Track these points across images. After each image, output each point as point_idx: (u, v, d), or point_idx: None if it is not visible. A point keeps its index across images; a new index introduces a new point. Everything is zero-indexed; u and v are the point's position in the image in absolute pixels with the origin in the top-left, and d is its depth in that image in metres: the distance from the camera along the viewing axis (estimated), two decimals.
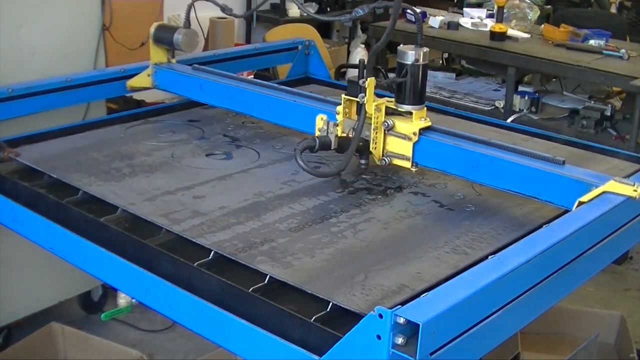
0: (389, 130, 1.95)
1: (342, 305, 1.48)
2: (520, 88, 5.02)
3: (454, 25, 5.22)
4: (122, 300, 3.26)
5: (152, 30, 2.55)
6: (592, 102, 4.72)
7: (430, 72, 5.70)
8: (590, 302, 3.72)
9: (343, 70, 6.58)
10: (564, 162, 1.84)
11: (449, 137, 1.97)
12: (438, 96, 5.18)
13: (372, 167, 2.18)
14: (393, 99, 1.98)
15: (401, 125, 1.95)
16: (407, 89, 1.94)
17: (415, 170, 1.98)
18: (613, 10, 7.56)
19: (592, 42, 4.87)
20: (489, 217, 1.92)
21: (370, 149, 1.97)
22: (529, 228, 1.82)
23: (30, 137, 2.37)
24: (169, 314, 1.67)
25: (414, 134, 1.93)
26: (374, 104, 1.92)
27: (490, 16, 5.37)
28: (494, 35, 4.91)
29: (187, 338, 3.33)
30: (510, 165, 1.86)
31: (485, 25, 5.19)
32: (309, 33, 5.09)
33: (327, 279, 1.59)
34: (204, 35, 5.76)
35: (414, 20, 5.32)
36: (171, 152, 2.30)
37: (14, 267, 3.00)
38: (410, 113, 1.95)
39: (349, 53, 7.18)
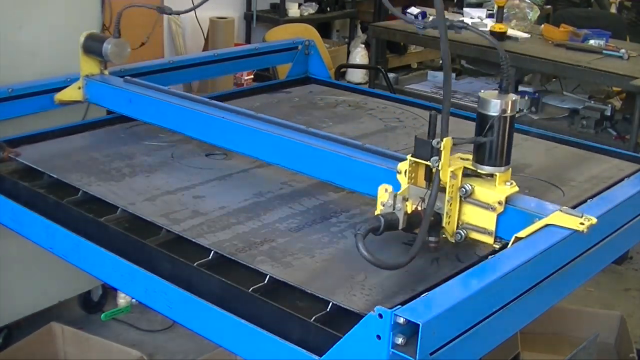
0: (467, 197, 1.59)
1: (342, 305, 1.48)
2: (520, 88, 5.02)
3: None
4: (122, 300, 3.27)
5: (81, 39, 2.42)
6: (592, 102, 4.72)
7: (430, 72, 5.72)
8: (590, 302, 3.72)
9: (343, 70, 6.58)
10: None
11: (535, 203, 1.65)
12: (438, 96, 5.18)
13: None
14: (469, 158, 1.62)
15: (482, 191, 1.59)
16: (491, 147, 1.58)
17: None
18: (613, 10, 7.56)
19: (592, 42, 4.87)
20: None
21: (443, 224, 1.60)
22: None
23: (30, 137, 2.37)
24: (169, 314, 1.67)
25: (499, 203, 1.58)
26: (449, 170, 1.56)
27: (490, 16, 5.37)
28: (494, 35, 4.90)
29: (187, 338, 3.33)
30: None
31: (485, 25, 5.19)
32: (309, 33, 5.08)
33: (327, 279, 1.59)
34: (203, 35, 5.77)
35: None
36: (171, 152, 2.30)
37: (14, 267, 3.00)
38: (493, 176, 1.60)
39: (349, 53, 7.19)
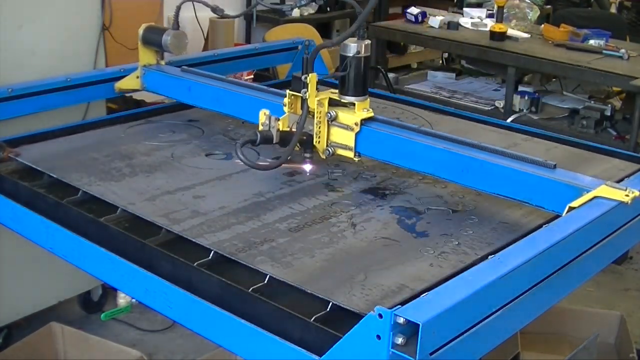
0: (333, 121, 1.99)
1: (342, 305, 1.48)
2: (520, 88, 5.02)
3: (454, 25, 5.22)
4: (122, 300, 3.26)
5: (140, 31, 2.54)
6: (592, 102, 4.73)
7: (430, 72, 5.73)
8: (590, 302, 3.72)
9: None
10: (554, 166, 1.82)
11: (391, 127, 2.00)
12: (438, 96, 5.18)
13: (372, 168, 2.18)
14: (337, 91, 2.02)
15: (344, 116, 1.98)
16: (350, 81, 1.98)
17: (357, 160, 2.01)
18: (613, 10, 7.56)
19: (592, 42, 4.87)
20: (489, 217, 1.92)
21: (314, 143, 2.00)
22: (530, 227, 1.82)
23: (30, 137, 2.37)
24: (169, 314, 1.67)
25: (356, 124, 1.97)
26: (316, 99, 1.95)
27: (490, 16, 5.37)
28: (494, 35, 4.91)
29: (187, 338, 3.33)
30: (492, 168, 1.84)
31: (485, 25, 5.20)
32: (309, 33, 5.09)
33: (327, 279, 1.59)
34: (203, 35, 5.77)
35: (413, 20, 5.33)
36: (171, 152, 2.30)
37: (14, 267, 3.00)
38: (354, 104, 1.98)
39: None
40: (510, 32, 5.00)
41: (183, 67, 2.60)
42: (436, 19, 5.23)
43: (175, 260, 1.68)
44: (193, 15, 5.04)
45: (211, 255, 1.68)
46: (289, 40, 3.19)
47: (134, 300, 1.83)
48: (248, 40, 6.45)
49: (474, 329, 1.30)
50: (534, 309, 1.52)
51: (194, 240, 1.75)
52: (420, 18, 5.32)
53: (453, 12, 5.97)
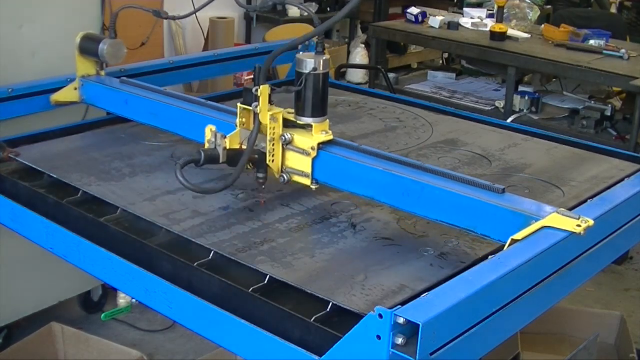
0: (287, 144, 1.80)
1: (342, 305, 1.48)
2: (520, 88, 5.02)
3: (454, 25, 5.22)
4: (122, 300, 3.26)
5: (77, 40, 2.39)
6: (592, 102, 4.72)
7: (430, 72, 5.73)
8: (590, 302, 3.73)
9: (343, 70, 6.58)
10: (503, 190, 1.64)
11: (353, 152, 1.81)
12: (438, 96, 5.18)
13: None
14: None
15: (300, 139, 1.79)
16: (306, 100, 1.78)
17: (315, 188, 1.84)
18: (613, 10, 7.57)
19: (592, 42, 4.87)
20: None
21: (267, 162, 1.81)
22: None
23: (30, 137, 2.36)
24: (169, 314, 1.67)
25: (312, 148, 1.78)
26: (269, 113, 1.77)
27: (490, 16, 5.37)
28: (494, 35, 4.91)
29: (187, 338, 3.34)
30: (433, 191, 1.67)
31: (485, 25, 5.20)
32: None
33: (327, 279, 1.59)
34: (203, 35, 5.77)
35: (413, 20, 5.33)
36: (171, 152, 2.30)
37: (14, 267, 3.00)
38: (311, 126, 1.80)
39: (349, 53, 7.19)
40: (510, 32, 5.00)
41: (122, 78, 2.42)
42: (436, 19, 5.23)
43: (175, 260, 1.68)
44: (193, 16, 5.05)
45: (211, 255, 1.68)
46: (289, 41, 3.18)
47: (134, 300, 1.83)
48: (248, 40, 6.45)
49: (474, 329, 1.30)
50: (534, 309, 1.51)
51: (194, 240, 1.75)
52: (420, 18, 5.32)
53: (453, 12, 5.98)
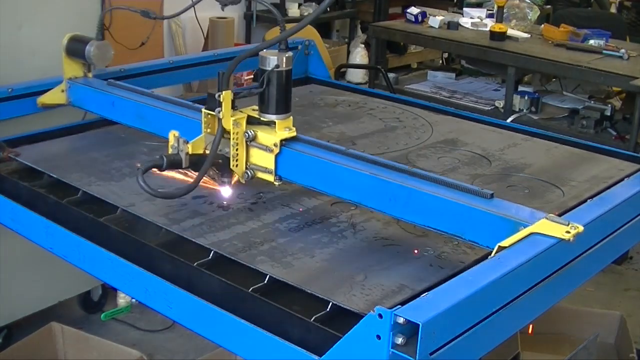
0: (251, 141, 1.79)
1: (342, 305, 1.48)
2: (520, 88, 5.03)
3: (454, 25, 5.22)
4: (122, 300, 3.27)
5: (64, 42, 2.35)
6: (592, 102, 4.73)
7: (430, 72, 5.73)
8: (590, 302, 3.72)
9: (343, 70, 6.58)
10: (491, 196, 1.60)
11: (316, 149, 1.81)
12: (438, 96, 5.18)
13: None
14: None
15: (263, 135, 1.79)
16: (270, 97, 1.78)
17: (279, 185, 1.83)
18: (613, 10, 7.57)
19: (592, 42, 4.87)
20: None
21: (231, 167, 1.81)
22: None
23: (30, 137, 2.37)
24: (169, 314, 1.67)
25: (275, 145, 1.78)
26: (232, 119, 1.77)
27: (490, 16, 5.38)
28: (494, 35, 4.91)
29: (187, 338, 3.33)
30: (420, 197, 1.63)
31: (485, 25, 5.20)
32: (309, 33, 5.08)
33: (327, 279, 1.59)
34: (203, 35, 5.77)
35: (413, 20, 5.33)
36: None
37: (14, 267, 3.00)
38: (274, 123, 1.80)
39: (349, 53, 7.19)
40: (510, 32, 5.00)
41: (110, 80, 2.38)
42: (436, 19, 5.23)
43: (175, 260, 1.68)
44: (193, 16, 5.05)
45: (211, 255, 1.68)
46: (289, 40, 3.18)
47: (134, 300, 1.83)
48: (248, 40, 6.45)
49: (474, 329, 1.30)
50: (534, 309, 1.51)
51: (194, 240, 1.75)
52: (420, 18, 5.32)
53: (453, 12, 5.98)
